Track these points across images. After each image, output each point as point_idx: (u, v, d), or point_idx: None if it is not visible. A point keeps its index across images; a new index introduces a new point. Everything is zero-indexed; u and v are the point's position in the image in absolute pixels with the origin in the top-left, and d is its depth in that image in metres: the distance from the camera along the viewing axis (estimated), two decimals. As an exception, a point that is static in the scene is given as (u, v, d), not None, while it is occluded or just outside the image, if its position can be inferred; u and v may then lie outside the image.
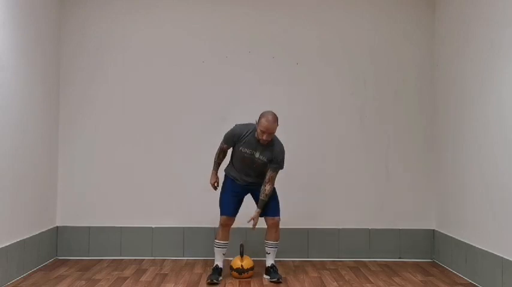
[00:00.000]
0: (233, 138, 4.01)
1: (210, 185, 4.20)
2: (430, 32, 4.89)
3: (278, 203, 4.14)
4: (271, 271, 4.06)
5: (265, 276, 4.10)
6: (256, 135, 3.91)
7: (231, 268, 4.12)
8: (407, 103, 4.89)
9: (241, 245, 4.14)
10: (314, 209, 4.83)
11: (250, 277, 4.10)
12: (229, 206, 4.08)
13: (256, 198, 4.11)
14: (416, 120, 4.89)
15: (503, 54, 3.66)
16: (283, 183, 4.64)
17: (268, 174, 3.98)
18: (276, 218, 4.09)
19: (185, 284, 3.96)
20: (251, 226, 4.03)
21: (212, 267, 4.11)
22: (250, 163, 3.99)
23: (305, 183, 4.82)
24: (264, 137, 3.83)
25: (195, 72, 4.84)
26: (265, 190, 3.99)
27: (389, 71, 4.90)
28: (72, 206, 4.78)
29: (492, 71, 3.81)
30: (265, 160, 3.97)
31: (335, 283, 4.01)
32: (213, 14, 4.88)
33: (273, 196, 4.10)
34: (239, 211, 4.13)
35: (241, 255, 4.11)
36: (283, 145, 4.08)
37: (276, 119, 3.87)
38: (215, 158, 4.17)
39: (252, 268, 4.12)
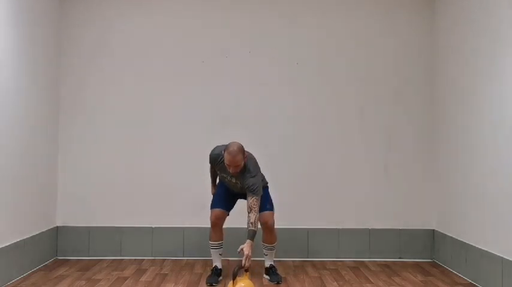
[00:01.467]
0: (211, 163, 4.00)
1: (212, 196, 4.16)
2: (430, 32, 4.89)
3: (269, 199, 4.01)
4: (270, 272, 4.03)
5: (265, 276, 4.09)
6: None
7: None
8: (407, 103, 4.89)
9: (234, 272, 3.40)
10: (314, 209, 4.83)
11: None
12: (221, 199, 4.00)
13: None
14: (416, 120, 4.89)
15: (503, 54, 3.66)
16: (283, 183, 4.67)
17: (248, 202, 3.69)
18: (267, 213, 3.88)
19: (185, 284, 3.96)
20: (242, 262, 3.46)
21: (211, 268, 4.08)
22: (232, 185, 3.97)
23: (305, 183, 4.81)
24: (231, 170, 3.69)
25: (195, 72, 4.84)
26: (249, 218, 3.62)
27: (389, 71, 4.90)
28: (72, 206, 4.79)
29: (492, 71, 3.81)
30: (241, 186, 3.84)
31: (335, 283, 4.01)
32: (213, 14, 4.88)
33: (265, 195, 3.95)
34: (232, 210, 4.05)
35: (233, 278, 3.39)
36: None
37: (239, 151, 3.64)
38: (210, 175, 4.19)
39: None
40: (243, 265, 3.45)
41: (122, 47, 4.85)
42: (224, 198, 4.01)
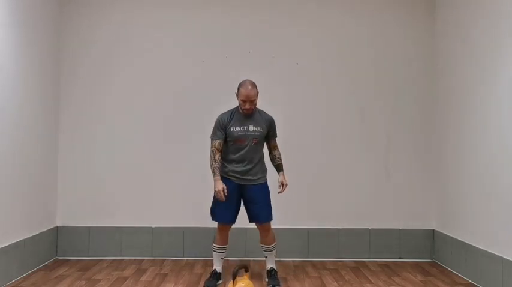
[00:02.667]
0: (221, 126, 3.86)
1: (217, 194, 3.77)
2: (430, 32, 4.89)
3: (268, 205, 3.94)
4: (269, 275, 3.97)
5: (266, 279, 4.04)
6: (239, 111, 3.87)
7: None
8: (407, 103, 4.89)
9: (234, 272, 3.44)
10: (314, 209, 4.83)
11: None
12: (227, 213, 3.88)
13: (247, 204, 3.92)
14: (416, 120, 4.89)
15: (503, 54, 3.66)
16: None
17: (271, 143, 4.04)
18: (266, 225, 3.93)
19: (185, 284, 3.96)
20: (281, 189, 3.95)
21: (210, 271, 4.04)
22: (245, 142, 3.84)
23: (305, 183, 4.81)
24: (247, 106, 3.78)
25: (195, 72, 4.84)
26: (275, 155, 4.04)
27: (389, 71, 4.90)
28: (72, 206, 4.79)
29: (492, 71, 3.81)
30: (261, 130, 3.88)
31: (335, 283, 4.01)
32: (213, 14, 4.88)
33: (264, 198, 3.92)
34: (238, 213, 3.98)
35: (233, 278, 3.44)
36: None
37: (253, 85, 3.82)
38: (212, 164, 3.83)
39: None
40: (281, 191, 3.96)
41: (122, 47, 4.85)
42: (229, 209, 3.87)
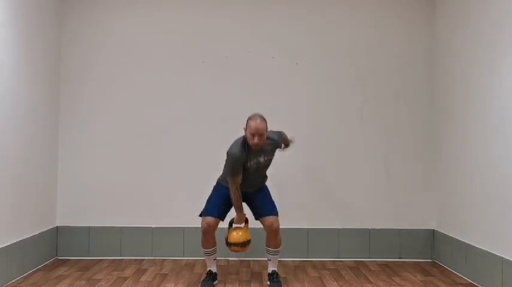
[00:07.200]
0: (240, 164, 3.69)
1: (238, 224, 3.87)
2: (430, 32, 4.89)
3: (273, 202, 3.93)
4: (271, 278, 3.92)
5: (267, 282, 3.98)
6: (249, 143, 3.68)
7: (229, 243, 3.85)
8: (407, 103, 4.89)
9: (230, 222, 3.90)
10: (314, 209, 4.83)
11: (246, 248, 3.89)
12: (215, 208, 3.84)
13: (249, 203, 3.93)
14: (416, 120, 4.89)
15: (503, 54, 3.66)
16: (283, 183, 4.67)
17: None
18: (272, 218, 3.82)
19: (185, 284, 3.96)
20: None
21: (206, 272, 4.01)
22: (258, 171, 3.85)
23: (305, 183, 4.82)
24: (256, 140, 3.60)
25: (195, 72, 4.84)
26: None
27: (389, 71, 4.90)
28: (72, 206, 4.79)
29: (492, 71, 3.81)
30: (271, 157, 3.89)
31: (335, 283, 4.01)
32: (213, 14, 4.88)
33: (267, 194, 3.95)
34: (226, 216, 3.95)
35: (230, 226, 3.89)
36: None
37: (263, 119, 3.67)
38: (234, 200, 3.76)
39: (248, 242, 3.86)
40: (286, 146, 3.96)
41: (122, 48, 4.85)
42: (219, 206, 3.86)
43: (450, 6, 4.57)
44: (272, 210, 3.88)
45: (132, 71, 4.84)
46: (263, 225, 3.88)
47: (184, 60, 4.85)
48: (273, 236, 3.86)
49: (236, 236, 3.83)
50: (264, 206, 3.89)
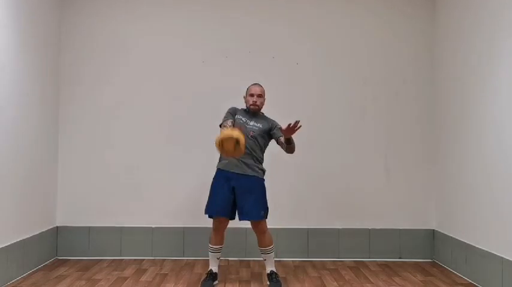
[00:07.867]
0: (232, 112, 3.99)
1: (225, 128, 3.77)
2: (430, 32, 4.90)
3: (260, 202, 3.87)
4: (270, 278, 3.91)
5: (268, 282, 3.97)
6: (246, 108, 4.03)
7: (221, 141, 3.53)
8: (407, 103, 4.89)
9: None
10: (314, 209, 4.83)
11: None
12: (219, 203, 3.83)
13: (239, 198, 3.83)
14: (416, 120, 4.89)
15: (503, 54, 3.66)
16: (283, 183, 4.67)
17: (280, 139, 3.90)
18: (259, 224, 3.85)
19: (185, 284, 3.96)
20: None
21: (206, 272, 4.02)
22: (255, 140, 3.88)
23: (305, 183, 4.81)
24: (254, 99, 3.95)
25: (195, 72, 4.84)
26: (284, 145, 3.87)
27: (389, 71, 4.90)
28: (72, 206, 4.79)
29: (492, 71, 3.81)
30: (261, 127, 3.92)
31: (335, 283, 4.01)
32: (213, 14, 4.88)
33: (257, 198, 3.86)
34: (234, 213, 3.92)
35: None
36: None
37: (261, 86, 4.06)
38: (224, 126, 3.86)
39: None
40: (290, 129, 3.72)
41: (122, 48, 4.85)
42: (224, 204, 3.84)
43: (451, 7, 4.57)
44: (260, 212, 3.85)
45: (132, 71, 4.84)
46: (252, 227, 3.93)
47: (184, 60, 4.84)
48: (261, 235, 3.91)
49: (227, 131, 3.57)
50: (253, 209, 3.83)
